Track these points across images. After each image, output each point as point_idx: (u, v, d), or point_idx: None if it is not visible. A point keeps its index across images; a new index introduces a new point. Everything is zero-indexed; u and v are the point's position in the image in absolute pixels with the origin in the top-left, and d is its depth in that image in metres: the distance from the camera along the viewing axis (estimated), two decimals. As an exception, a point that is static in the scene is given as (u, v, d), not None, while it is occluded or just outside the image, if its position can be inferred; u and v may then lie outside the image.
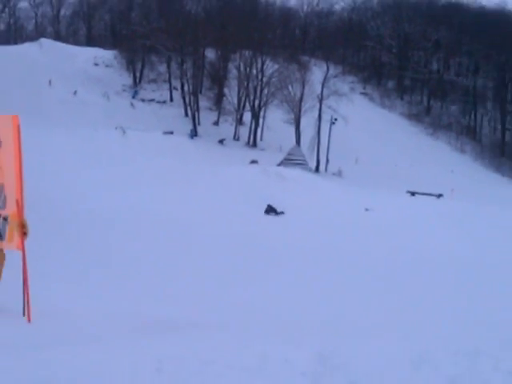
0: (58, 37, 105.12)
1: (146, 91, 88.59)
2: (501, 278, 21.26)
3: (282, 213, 33.88)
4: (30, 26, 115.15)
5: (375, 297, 15.98)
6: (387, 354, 7.03)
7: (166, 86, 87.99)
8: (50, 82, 78.63)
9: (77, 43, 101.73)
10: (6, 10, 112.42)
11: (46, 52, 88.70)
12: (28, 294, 8.27)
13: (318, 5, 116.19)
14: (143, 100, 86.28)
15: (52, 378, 5.32)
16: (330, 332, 10.01)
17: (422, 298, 16.33)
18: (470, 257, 25.21)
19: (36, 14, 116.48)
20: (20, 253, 8.33)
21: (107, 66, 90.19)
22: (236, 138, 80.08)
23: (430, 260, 23.54)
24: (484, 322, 13.41)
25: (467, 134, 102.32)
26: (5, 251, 8.75)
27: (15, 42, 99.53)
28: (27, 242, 8.31)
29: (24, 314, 8.26)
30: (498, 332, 11.76)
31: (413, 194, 53.66)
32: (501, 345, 9.16)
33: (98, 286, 14.04)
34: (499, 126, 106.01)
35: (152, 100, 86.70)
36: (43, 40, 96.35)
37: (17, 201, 8.15)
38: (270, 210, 34.52)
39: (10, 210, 8.32)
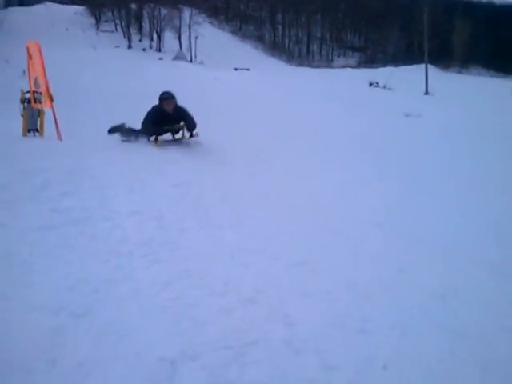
0: None
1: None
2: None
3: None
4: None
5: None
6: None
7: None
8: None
9: None
10: None
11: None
12: (58, 127, 8.59)
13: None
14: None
15: (81, 166, 5.89)
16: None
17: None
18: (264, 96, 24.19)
19: None
20: (50, 110, 8.60)
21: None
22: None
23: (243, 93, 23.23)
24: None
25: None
26: (44, 110, 9.03)
27: None
28: (54, 104, 8.51)
29: (58, 138, 8.70)
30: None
31: (236, 69, 54.84)
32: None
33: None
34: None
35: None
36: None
37: (45, 83, 8.37)
38: None
39: (43, 88, 8.55)
